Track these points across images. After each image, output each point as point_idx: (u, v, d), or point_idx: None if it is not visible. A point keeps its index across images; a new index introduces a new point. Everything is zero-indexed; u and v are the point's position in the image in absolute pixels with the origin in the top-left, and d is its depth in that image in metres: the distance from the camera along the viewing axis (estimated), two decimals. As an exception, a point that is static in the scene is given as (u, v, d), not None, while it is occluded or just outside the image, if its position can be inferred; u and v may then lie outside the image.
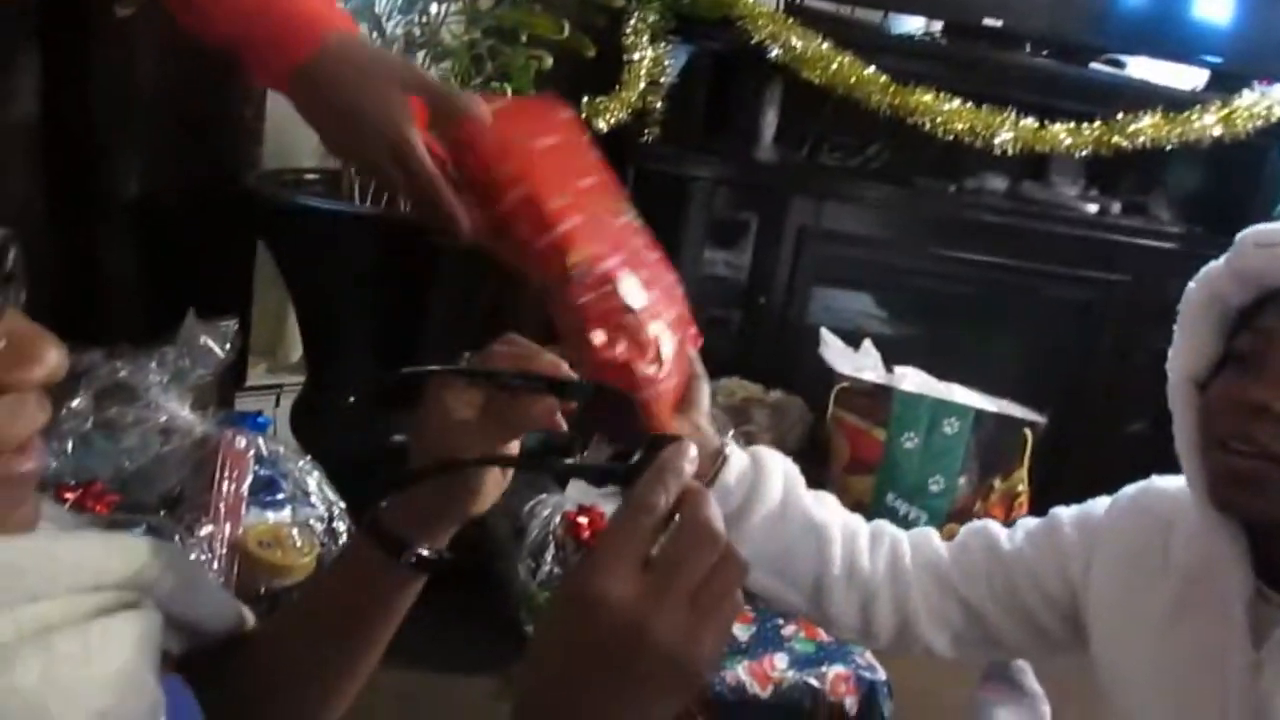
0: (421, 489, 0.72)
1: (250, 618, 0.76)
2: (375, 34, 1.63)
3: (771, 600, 1.01)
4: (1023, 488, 1.88)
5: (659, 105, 2.05)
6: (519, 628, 1.63)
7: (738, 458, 0.96)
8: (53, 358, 0.46)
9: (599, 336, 0.80)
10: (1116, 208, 2.25)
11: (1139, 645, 0.94)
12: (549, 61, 1.64)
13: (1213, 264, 0.87)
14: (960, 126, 1.99)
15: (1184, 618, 0.90)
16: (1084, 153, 2.12)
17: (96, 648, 0.51)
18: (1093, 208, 2.21)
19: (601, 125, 1.98)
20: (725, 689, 1.44)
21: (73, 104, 1.66)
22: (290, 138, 1.97)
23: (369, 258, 1.68)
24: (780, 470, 0.97)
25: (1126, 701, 0.96)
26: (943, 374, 2.19)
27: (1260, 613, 0.83)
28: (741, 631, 1.54)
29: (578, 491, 1.75)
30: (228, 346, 1.61)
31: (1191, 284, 0.88)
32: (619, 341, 0.81)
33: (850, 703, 1.49)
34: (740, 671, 1.46)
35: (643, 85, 2.01)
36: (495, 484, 0.72)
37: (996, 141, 2.03)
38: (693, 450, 0.53)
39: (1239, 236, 0.84)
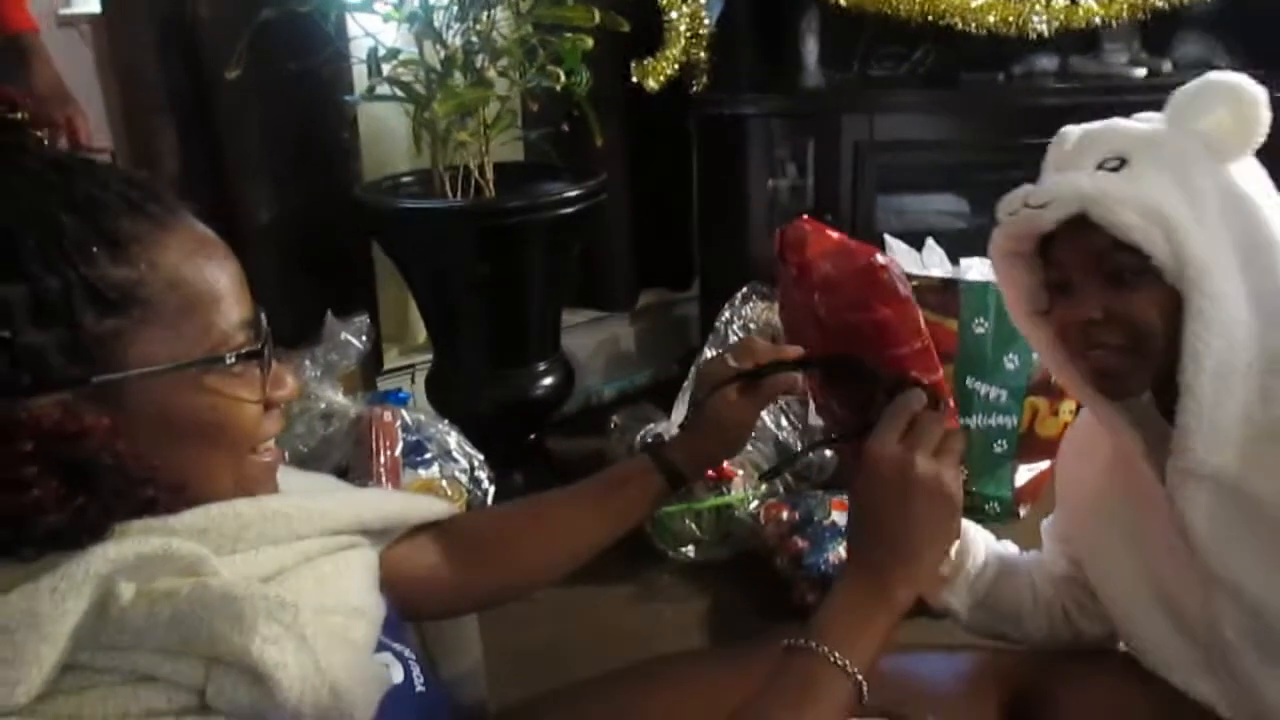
0: (702, 436, 0.95)
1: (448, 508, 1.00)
2: (438, 45, 1.84)
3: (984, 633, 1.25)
4: (1097, 353, 1.98)
5: (704, 56, 2.20)
6: (649, 541, 1.86)
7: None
8: (293, 381, 0.73)
9: None
10: (1167, 66, 2.27)
11: (1092, 518, 1.11)
12: (589, 43, 1.82)
13: (997, 228, 1.00)
14: (992, 19, 2.07)
15: (1115, 474, 1.06)
16: (1122, 20, 2.16)
17: (344, 570, 0.76)
18: (1141, 72, 2.24)
19: (653, 84, 2.15)
20: (829, 567, 1.64)
21: (205, 155, 1.96)
22: (384, 149, 2.23)
23: (467, 243, 1.92)
24: (983, 543, 1.20)
25: (1108, 590, 1.10)
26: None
27: (1164, 448, 0.95)
28: (840, 518, 1.72)
29: (682, 415, 1.95)
30: (364, 338, 1.89)
31: (990, 245, 1.01)
32: None
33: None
34: (841, 550, 1.65)
35: (685, 40, 2.17)
36: (744, 439, 0.97)
37: (1032, 26, 2.10)
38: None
39: (1008, 199, 0.96)
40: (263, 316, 0.72)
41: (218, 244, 0.70)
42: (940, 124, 2.32)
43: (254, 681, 0.59)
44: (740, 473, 1.87)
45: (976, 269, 2.01)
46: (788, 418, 1.93)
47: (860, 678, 0.70)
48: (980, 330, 1.92)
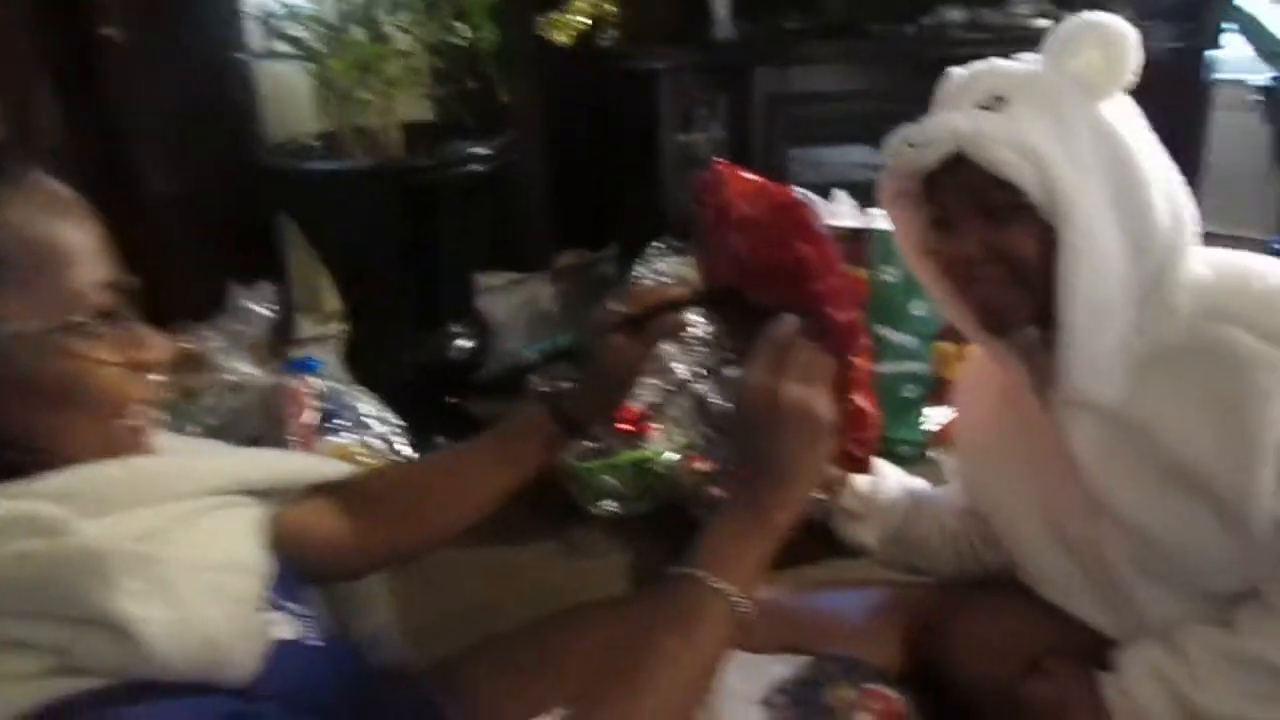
0: (592, 382, 0.99)
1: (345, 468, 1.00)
2: (334, 1, 1.79)
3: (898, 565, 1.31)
4: (1003, 298, 2.02)
5: (613, 9, 2.18)
6: (571, 498, 1.87)
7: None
8: (162, 343, 0.72)
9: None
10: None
11: (984, 448, 1.16)
12: (496, -8, 1.78)
13: (883, 170, 1.04)
14: (897, -30, 2.08)
15: (1005, 404, 1.11)
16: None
17: (224, 528, 0.75)
18: (1046, 23, 2.28)
19: (562, 38, 2.12)
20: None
21: (90, 126, 1.88)
22: (289, 110, 2.16)
23: (376, 206, 1.88)
24: (895, 480, 1.27)
25: (1003, 518, 1.15)
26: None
27: (1049, 378, 0.99)
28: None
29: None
30: (269, 306, 1.85)
31: (878, 186, 1.04)
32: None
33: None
34: (756, 499, 1.67)
35: (593, -7, 2.14)
36: (632, 382, 1.01)
37: (937, -24, 2.11)
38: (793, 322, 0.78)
39: (890, 140, 0.99)
40: (128, 277, 0.70)
41: (73, 202, 0.68)
42: (851, 75, 2.34)
43: (119, 638, 0.58)
44: (658, 427, 1.88)
45: (884, 218, 2.03)
46: (703, 369, 1.94)
47: (741, 599, 0.72)
48: (889, 278, 1.95)
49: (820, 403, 0.74)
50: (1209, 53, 2.28)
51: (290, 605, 0.82)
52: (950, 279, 1.02)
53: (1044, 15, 2.32)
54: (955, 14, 2.37)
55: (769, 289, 0.90)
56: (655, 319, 0.96)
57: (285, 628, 0.79)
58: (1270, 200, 2.45)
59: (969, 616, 1.17)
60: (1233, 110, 2.52)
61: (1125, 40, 0.92)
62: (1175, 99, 2.28)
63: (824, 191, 2.18)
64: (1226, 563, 0.93)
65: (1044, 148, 0.89)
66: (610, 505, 1.85)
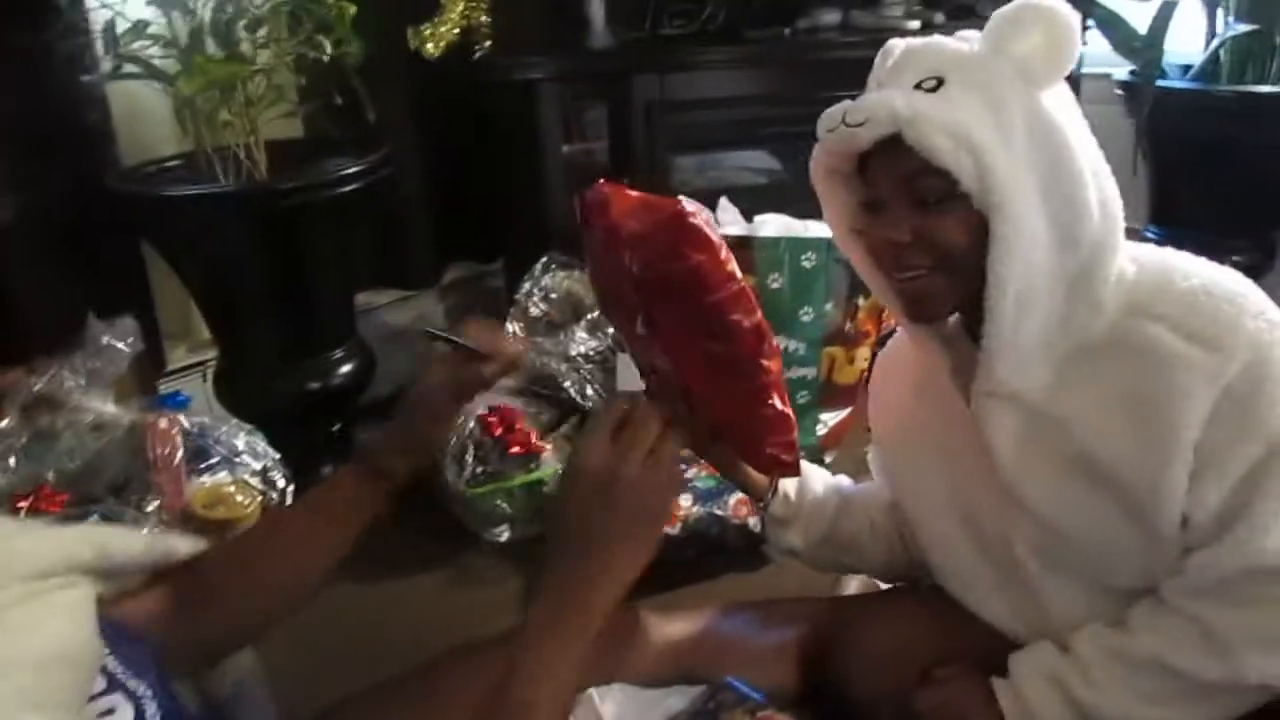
0: (403, 428, 0.97)
1: (181, 548, 0.93)
2: (186, 18, 1.70)
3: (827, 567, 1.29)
4: (887, 299, 2.04)
5: (484, 19, 2.13)
6: (458, 523, 1.82)
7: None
8: None
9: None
10: (940, 18, 2.36)
11: (899, 435, 1.15)
12: (352, 8, 1.72)
13: (818, 144, 0.99)
14: (770, -26, 2.08)
15: (923, 393, 1.10)
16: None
17: (41, 618, 0.68)
18: (915, 24, 2.31)
19: (432, 50, 2.06)
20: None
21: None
22: (145, 131, 2.05)
23: (239, 230, 1.79)
24: (820, 480, 1.22)
25: (916, 510, 1.15)
26: (811, 212, 2.33)
27: (969, 369, 0.99)
28: (648, 482, 1.72)
29: (488, 394, 1.91)
30: (130, 340, 1.74)
31: (812, 161, 1.00)
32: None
33: (754, 521, 1.69)
34: (650, 516, 1.65)
35: (464, 3, 2.09)
36: (441, 436, 0.99)
37: (808, -19, 2.12)
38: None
39: (825, 116, 0.95)
40: None
41: None
42: (730, 81, 2.33)
43: None
44: (549, 447, 1.84)
45: (771, 225, 2.04)
46: (593, 386, 1.91)
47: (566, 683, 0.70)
48: (776, 285, 1.95)
49: (661, 485, 0.72)
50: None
51: (130, 684, 0.76)
52: (877, 261, 0.99)
53: (913, 16, 2.35)
54: (829, 17, 2.39)
55: (669, 305, 0.87)
56: (484, 362, 0.93)
57: (123, 714, 0.73)
58: (1138, 189, 2.54)
59: (862, 631, 1.16)
60: (1098, 103, 2.60)
61: (1069, 25, 0.89)
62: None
63: (710, 198, 2.17)
64: (1130, 559, 0.94)
65: (980, 135, 0.87)
66: (502, 530, 1.80)
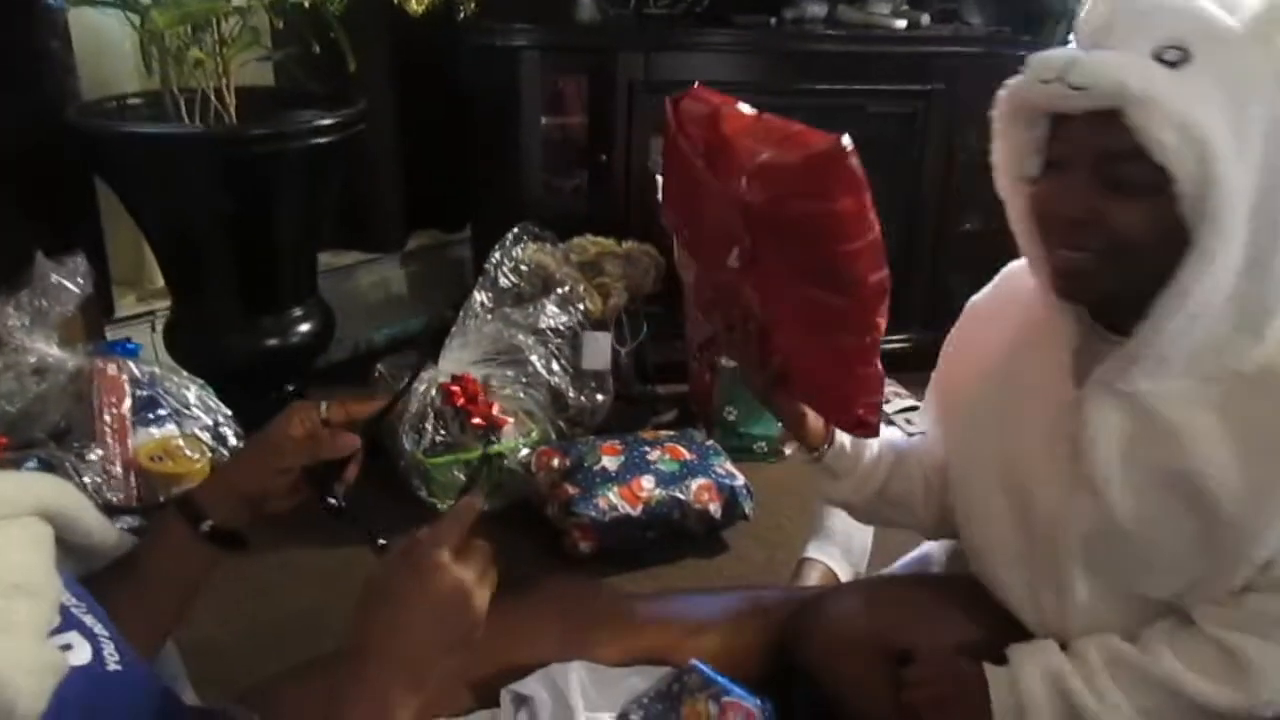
0: (237, 474, 0.88)
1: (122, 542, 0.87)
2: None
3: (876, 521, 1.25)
4: (858, 295, 2.04)
5: (471, -21, 2.08)
6: (414, 493, 1.77)
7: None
8: None
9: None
10: (925, 19, 2.36)
11: (976, 388, 1.06)
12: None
13: (1017, 79, 0.87)
14: (762, -39, 2.06)
15: (1019, 355, 1.02)
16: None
17: (4, 547, 0.64)
18: (901, 23, 2.31)
19: (416, 7, 2.00)
20: (598, 511, 1.61)
21: None
22: (107, 65, 1.96)
23: (205, 175, 1.73)
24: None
25: (964, 468, 1.09)
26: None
27: (1091, 351, 0.93)
28: (610, 462, 1.70)
29: (450, 364, 1.87)
30: (80, 281, 1.67)
31: (1001, 92, 0.89)
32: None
33: (714, 507, 1.67)
34: (611, 495, 1.63)
35: (449, -38, 2.03)
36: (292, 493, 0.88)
37: (800, -30, 2.11)
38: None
39: (1029, 62, 0.84)
40: None
41: None
42: (714, 65, 2.30)
43: None
44: (511, 420, 1.81)
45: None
46: (559, 361, 1.88)
47: None
48: (750, 273, 1.94)
49: (480, 601, 0.70)
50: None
51: (86, 620, 0.72)
52: (1039, 223, 0.91)
53: (899, 15, 2.35)
54: (816, 9, 2.37)
55: (787, 245, 0.81)
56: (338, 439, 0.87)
57: (80, 651, 0.69)
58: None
59: (829, 618, 1.15)
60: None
61: None
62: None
63: (685, 181, 2.15)
64: (1183, 578, 0.91)
65: (1215, 138, 0.77)
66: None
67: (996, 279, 1.10)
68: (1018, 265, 1.03)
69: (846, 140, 0.74)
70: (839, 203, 0.75)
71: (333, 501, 0.87)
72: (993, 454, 1.03)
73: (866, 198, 0.75)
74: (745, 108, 0.83)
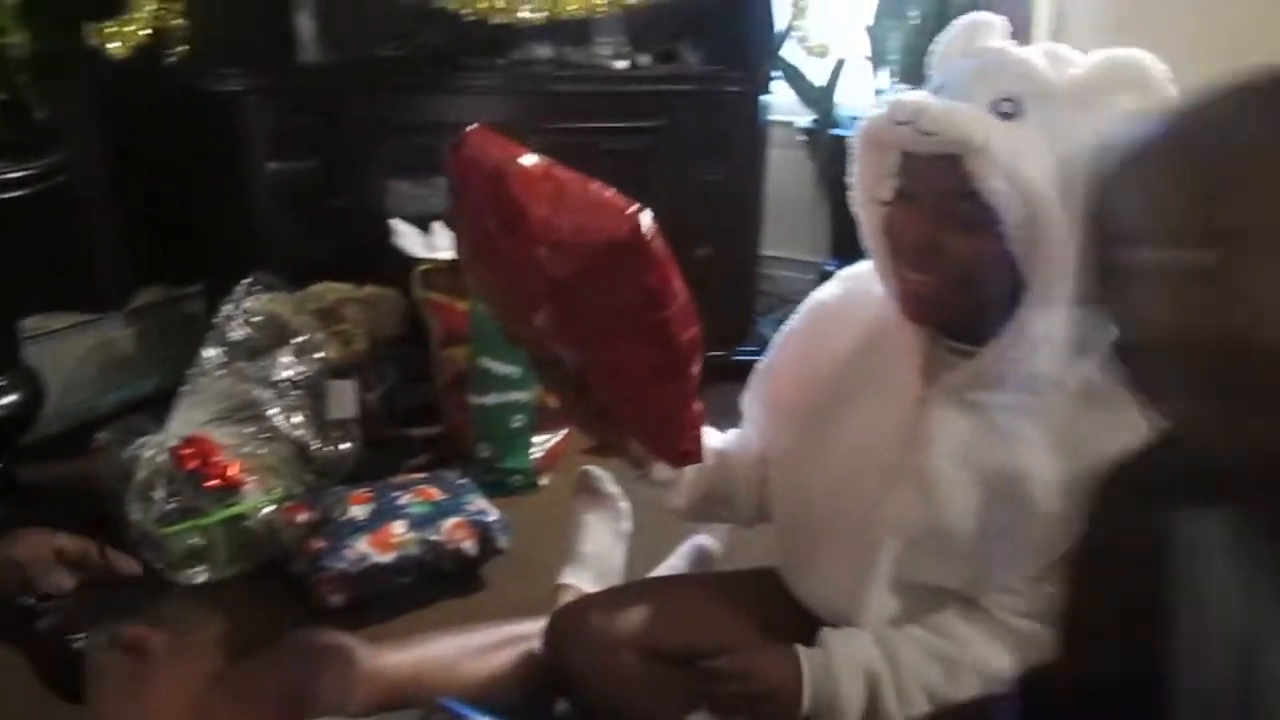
0: None
1: None
2: None
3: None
4: (600, 324, 2.12)
5: (179, 21, 1.99)
6: (148, 567, 1.66)
7: None
8: None
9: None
10: (646, 60, 2.49)
11: (821, 381, 1.12)
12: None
13: (874, 114, 0.96)
14: (484, 5, 2.11)
15: (870, 352, 1.09)
16: (612, 13, 2.33)
17: None
18: (623, 64, 2.43)
19: (118, 51, 1.90)
20: (348, 563, 1.58)
21: None
22: None
23: None
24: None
25: (786, 458, 1.15)
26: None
27: (938, 358, 1.02)
28: (360, 511, 1.67)
29: (181, 425, 1.77)
30: None
31: (860, 123, 0.99)
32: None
33: (469, 545, 1.68)
34: (362, 545, 1.60)
35: (154, 2, 1.94)
36: None
37: (521, 15, 2.18)
38: None
39: (898, 104, 0.92)
40: None
41: None
42: (446, 106, 2.32)
43: None
44: (252, 479, 1.74)
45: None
46: (301, 413, 1.83)
47: None
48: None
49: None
50: (763, 97, 2.56)
51: None
52: (891, 244, 0.98)
53: (621, 57, 2.47)
54: (542, 51, 2.45)
55: (597, 313, 0.82)
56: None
57: None
58: (820, 227, 2.80)
59: (581, 635, 1.19)
60: (785, 148, 2.86)
61: (1164, 89, 0.88)
62: (739, 137, 2.54)
63: (424, 223, 2.15)
64: (982, 566, 0.99)
65: (1042, 189, 0.87)
66: (199, 570, 1.67)
67: (842, 277, 1.17)
68: (863, 266, 1.11)
69: (646, 220, 0.77)
70: (644, 280, 0.78)
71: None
72: (830, 444, 1.09)
73: (670, 269, 0.78)
74: (530, 160, 0.83)
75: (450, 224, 0.99)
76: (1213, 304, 0.52)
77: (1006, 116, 0.89)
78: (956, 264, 0.92)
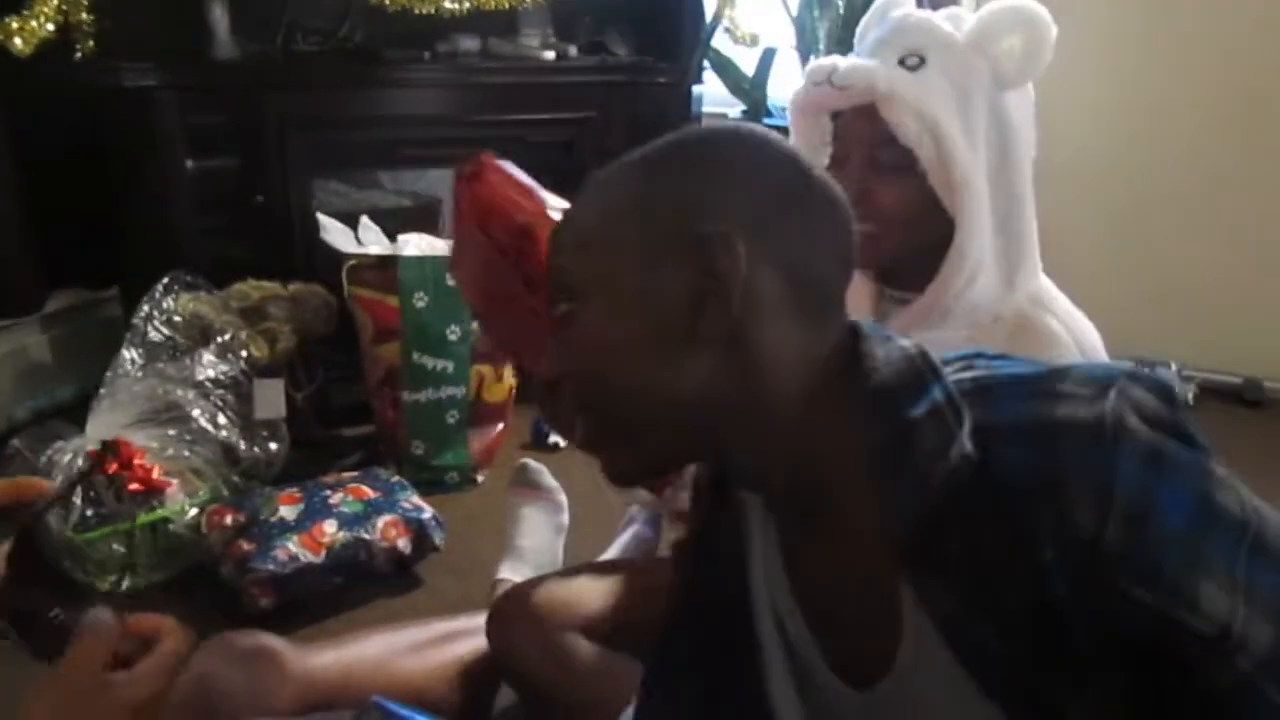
0: None
1: None
2: None
3: None
4: (532, 317, 2.10)
5: (86, 17, 1.93)
6: (67, 576, 1.60)
7: None
8: None
9: None
10: (573, 51, 2.48)
11: None
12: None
13: (799, 86, 1.08)
14: (405, -4, 2.08)
15: None
16: (538, 5, 2.31)
17: None
18: (550, 55, 2.42)
19: (22, 47, 1.83)
20: (277, 564, 1.54)
21: None
22: None
23: None
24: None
25: None
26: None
27: (882, 308, 1.11)
28: (289, 511, 1.63)
29: (100, 429, 1.72)
30: None
31: (789, 97, 1.10)
32: None
33: (403, 543, 1.65)
34: (291, 545, 1.57)
35: (57, -2, 1.88)
36: None
37: (446, 5, 2.15)
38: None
39: (815, 67, 1.04)
40: None
41: None
42: (370, 101, 2.29)
43: None
44: (175, 482, 1.69)
45: (414, 244, 2.02)
46: (225, 414, 1.78)
47: None
48: (421, 304, 1.94)
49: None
50: (695, 88, 2.56)
51: None
52: None
53: (549, 48, 2.45)
54: (469, 43, 2.42)
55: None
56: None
57: None
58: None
59: (518, 626, 1.19)
60: (717, 141, 2.87)
61: (1046, 35, 1.00)
62: (670, 128, 2.54)
63: (352, 220, 2.11)
64: None
65: (946, 123, 0.97)
66: (121, 578, 1.62)
67: None
68: None
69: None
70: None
71: None
72: None
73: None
74: (557, 209, 0.88)
75: (455, 254, 1.02)
76: (571, 343, 0.63)
77: (912, 69, 1.00)
78: (886, 208, 1.02)
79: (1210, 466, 0.54)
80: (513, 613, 1.21)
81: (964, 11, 1.07)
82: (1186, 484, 0.53)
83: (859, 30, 1.13)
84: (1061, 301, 1.12)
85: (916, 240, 1.03)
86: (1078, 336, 1.07)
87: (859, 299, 1.11)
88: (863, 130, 1.02)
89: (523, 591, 1.26)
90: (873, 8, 1.13)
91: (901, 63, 1.01)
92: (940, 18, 1.04)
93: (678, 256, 0.60)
